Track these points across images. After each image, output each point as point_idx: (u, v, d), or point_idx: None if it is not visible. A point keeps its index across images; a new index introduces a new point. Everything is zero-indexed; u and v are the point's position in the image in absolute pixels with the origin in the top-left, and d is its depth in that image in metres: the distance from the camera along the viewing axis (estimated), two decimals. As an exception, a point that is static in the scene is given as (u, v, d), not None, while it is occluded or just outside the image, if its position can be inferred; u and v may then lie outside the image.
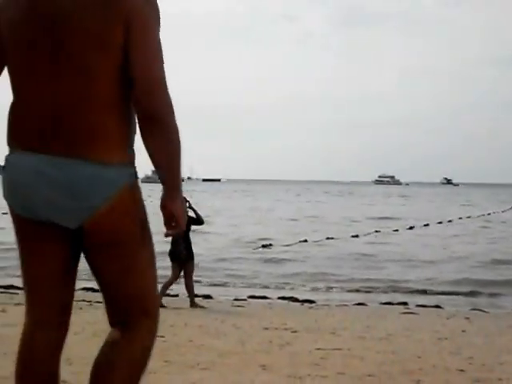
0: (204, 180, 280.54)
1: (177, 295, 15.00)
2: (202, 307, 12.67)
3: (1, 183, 2.99)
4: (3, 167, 2.94)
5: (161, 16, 2.89)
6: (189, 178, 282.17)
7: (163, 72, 2.86)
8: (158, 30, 2.87)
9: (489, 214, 51.74)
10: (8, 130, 2.94)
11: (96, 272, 3.03)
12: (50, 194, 2.84)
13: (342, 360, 7.12)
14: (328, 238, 29.49)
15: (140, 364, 3.07)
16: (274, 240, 29.46)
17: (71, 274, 3.07)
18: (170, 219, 2.98)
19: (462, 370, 6.79)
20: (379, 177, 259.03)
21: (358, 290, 17.76)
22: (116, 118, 2.85)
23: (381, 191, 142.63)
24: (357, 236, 31.88)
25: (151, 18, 2.85)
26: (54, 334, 3.07)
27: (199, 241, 29.91)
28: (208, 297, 15.05)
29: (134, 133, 2.94)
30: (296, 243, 28.46)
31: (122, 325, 3.05)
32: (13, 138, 2.92)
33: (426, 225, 38.12)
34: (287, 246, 27.21)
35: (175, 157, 2.89)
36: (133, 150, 2.95)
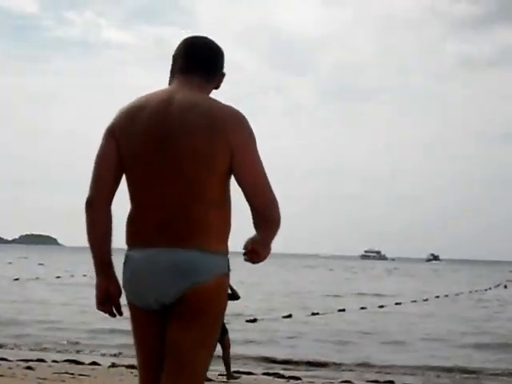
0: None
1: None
2: (237, 377, 13.12)
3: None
4: (124, 263, 3.55)
5: (253, 130, 3.48)
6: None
7: (266, 178, 3.45)
8: (256, 146, 3.47)
9: (476, 290, 51.72)
10: (128, 232, 3.54)
11: (168, 340, 3.47)
12: (161, 276, 3.40)
13: None
14: (314, 314, 29.20)
15: None
16: (257, 314, 29.27)
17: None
18: (252, 254, 3.53)
19: None
20: (366, 251, 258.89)
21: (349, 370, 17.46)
22: (217, 217, 3.46)
23: (368, 266, 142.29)
24: (343, 310, 31.73)
25: (251, 142, 3.46)
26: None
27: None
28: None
29: (230, 228, 3.56)
30: (281, 317, 28.27)
31: None
32: (133, 238, 3.53)
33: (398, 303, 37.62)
34: (272, 320, 26.91)
35: (274, 236, 3.53)
36: (227, 244, 3.55)
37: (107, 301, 3.61)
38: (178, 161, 3.41)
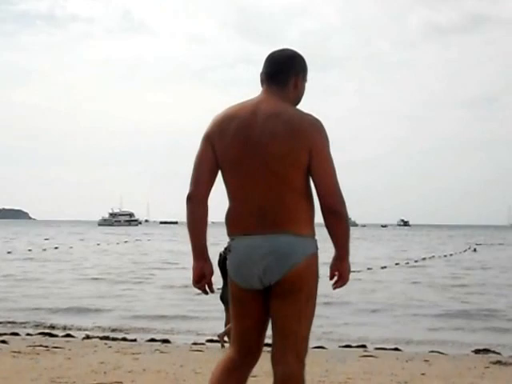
0: (161, 222, 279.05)
1: (135, 340, 14.84)
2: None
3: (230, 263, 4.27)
4: (229, 251, 4.22)
5: (328, 135, 4.14)
6: (146, 221, 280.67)
7: (336, 179, 4.11)
8: (329, 150, 4.12)
9: (451, 254, 52.21)
10: (228, 224, 4.20)
11: (273, 314, 4.19)
12: (263, 261, 4.07)
13: (302, 405, 7.06)
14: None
15: None
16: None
17: (265, 311, 4.26)
18: (334, 275, 4.23)
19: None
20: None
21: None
22: (304, 205, 4.11)
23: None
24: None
25: (325, 148, 4.11)
26: (250, 348, 4.41)
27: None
28: (166, 341, 14.88)
29: (314, 214, 4.17)
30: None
31: (283, 366, 4.19)
32: (233, 229, 4.20)
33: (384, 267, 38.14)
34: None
35: (346, 237, 4.18)
36: (314, 227, 4.18)
37: (202, 280, 4.28)
38: (267, 161, 4.07)
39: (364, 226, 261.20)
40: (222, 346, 13.31)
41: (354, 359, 12.20)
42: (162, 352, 12.47)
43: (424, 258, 47.81)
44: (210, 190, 4.27)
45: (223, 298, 13.33)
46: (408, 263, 38.89)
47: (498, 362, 11.68)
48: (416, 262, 44.51)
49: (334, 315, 20.11)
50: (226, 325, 13.23)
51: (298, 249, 4.09)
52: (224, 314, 13.24)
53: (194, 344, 14.61)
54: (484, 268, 41.53)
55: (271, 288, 4.15)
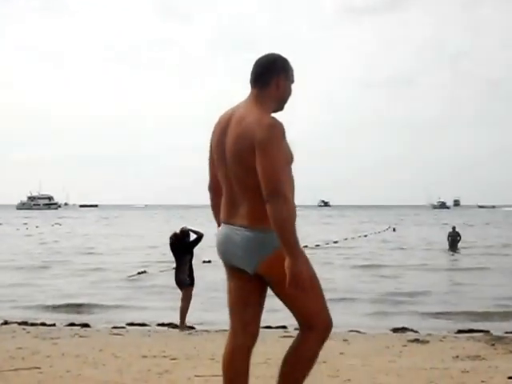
0: (81, 206, 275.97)
1: (53, 324, 14.68)
2: (190, 328, 14.28)
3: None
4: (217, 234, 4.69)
5: (279, 135, 4.31)
6: (65, 204, 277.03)
7: (274, 175, 4.23)
8: (272, 147, 4.27)
9: (371, 234, 52.86)
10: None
11: (278, 298, 4.54)
12: (234, 249, 4.50)
13: (221, 386, 7.09)
14: (204, 262, 29.29)
15: (303, 365, 4.62)
16: (148, 267, 29.30)
17: (258, 300, 4.65)
18: (290, 278, 4.24)
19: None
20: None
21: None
22: (263, 202, 4.29)
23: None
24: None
25: (266, 143, 4.27)
26: (247, 340, 4.77)
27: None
28: (86, 325, 14.76)
29: None
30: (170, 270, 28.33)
31: (300, 332, 4.62)
32: (220, 216, 4.67)
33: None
34: (162, 271, 26.89)
35: (281, 230, 4.22)
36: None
37: None
38: (229, 165, 4.47)
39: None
40: (182, 327, 14.25)
41: (274, 340, 12.28)
42: (81, 336, 12.37)
43: (346, 239, 48.28)
44: (219, 181, 4.71)
45: (176, 281, 14.44)
46: (328, 244, 39.24)
47: (416, 340, 11.91)
48: (335, 242, 44.96)
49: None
50: (181, 309, 14.29)
51: (266, 243, 4.40)
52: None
53: (114, 328, 14.54)
54: (402, 248, 42.25)
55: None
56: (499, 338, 12.26)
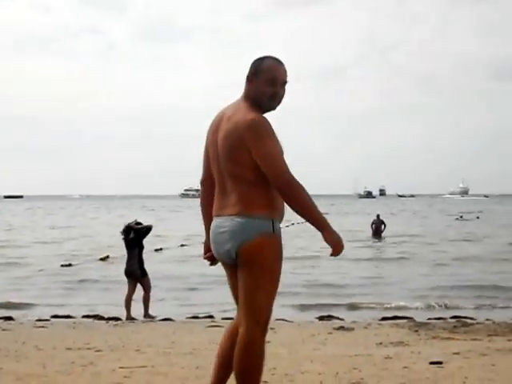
0: (5, 197, 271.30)
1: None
2: (154, 317, 14.75)
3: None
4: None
5: (267, 129, 4.63)
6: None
7: (277, 165, 4.56)
8: (264, 142, 4.59)
9: (298, 223, 52.46)
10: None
11: (238, 284, 4.75)
12: (222, 240, 4.73)
13: (145, 377, 7.08)
14: (157, 250, 29.04)
15: (249, 359, 4.73)
16: (76, 258, 29.00)
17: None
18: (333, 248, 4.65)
19: (265, 382, 6.92)
20: (185, 190, 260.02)
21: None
22: (256, 193, 4.67)
23: (185, 204, 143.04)
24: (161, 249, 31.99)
25: (257, 140, 4.60)
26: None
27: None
28: (9, 318, 14.53)
29: (274, 199, 4.71)
30: (98, 260, 28.13)
31: (242, 328, 4.70)
32: (213, 211, 4.90)
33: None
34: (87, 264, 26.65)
35: (309, 210, 4.62)
36: (274, 210, 4.73)
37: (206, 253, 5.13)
38: (221, 160, 4.77)
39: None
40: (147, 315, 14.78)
41: (200, 330, 12.31)
42: (4, 330, 12.18)
43: (287, 226, 48.17)
44: (212, 176, 5.01)
45: (127, 272, 14.91)
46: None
47: (341, 328, 12.04)
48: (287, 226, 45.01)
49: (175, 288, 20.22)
50: (127, 298, 14.74)
51: (249, 228, 4.64)
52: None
53: (39, 320, 14.35)
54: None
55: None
56: (422, 325, 12.47)
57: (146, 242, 15.43)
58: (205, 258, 5.17)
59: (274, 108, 4.90)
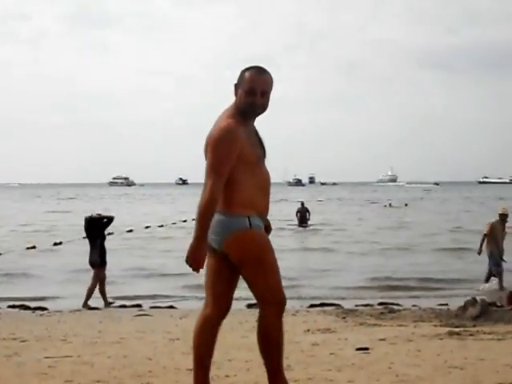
0: None
1: None
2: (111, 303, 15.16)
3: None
4: None
5: (227, 137, 5.04)
6: None
7: (210, 167, 5.05)
8: (217, 149, 5.04)
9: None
10: None
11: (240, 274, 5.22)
12: (210, 231, 5.07)
13: (71, 367, 7.03)
14: (56, 244, 28.65)
15: (270, 338, 5.18)
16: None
17: (231, 277, 5.25)
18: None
19: (191, 370, 6.92)
20: (114, 178, 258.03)
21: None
22: (232, 194, 5.11)
23: (114, 193, 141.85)
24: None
25: (211, 148, 5.08)
26: (216, 312, 5.28)
27: None
28: None
29: (252, 197, 5.17)
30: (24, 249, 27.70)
31: (259, 312, 5.20)
32: None
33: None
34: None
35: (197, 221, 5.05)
36: (251, 207, 5.15)
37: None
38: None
39: (142, 185, 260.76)
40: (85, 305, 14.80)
41: (128, 319, 12.26)
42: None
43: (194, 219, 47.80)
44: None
45: (90, 262, 15.24)
46: (175, 223, 38.93)
47: (269, 315, 12.09)
48: (184, 221, 44.68)
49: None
50: (90, 287, 15.00)
51: (229, 224, 5.09)
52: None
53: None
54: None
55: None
56: (350, 311, 12.63)
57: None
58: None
59: (254, 115, 5.25)
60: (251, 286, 5.17)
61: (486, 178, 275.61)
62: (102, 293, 15.20)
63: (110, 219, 15.73)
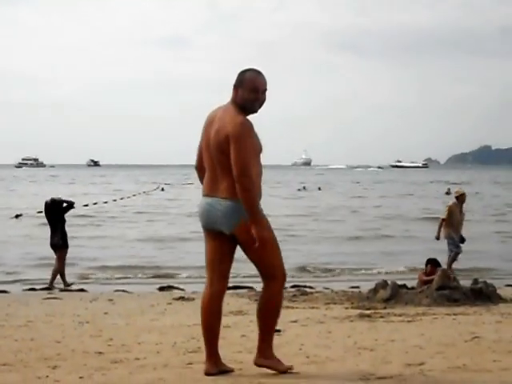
0: None
1: None
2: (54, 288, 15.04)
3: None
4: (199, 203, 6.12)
5: (248, 131, 5.88)
6: None
7: (243, 162, 5.79)
8: (242, 139, 5.82)
9: (139, 193, 51.86)
10: (202, 188, 6.13)
11: (246, 255, 5.99)
12: (216, 216, 5.93)
13: (-24, 351, 6.91)
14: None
15: (272, 312, 6.05)
16: None
17: (230, 257, 6.07)
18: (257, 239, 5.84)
19: (100, 353, 6.91)
20: (22, 159, 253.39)
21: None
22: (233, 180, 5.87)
23: (26, 174, 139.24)
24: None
25: (237, 137, 5.82)
26: (221, 287, 6.09)
27: None
28: None
29: (257, 187, 5.97)
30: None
31: (264, 283, 6.04)
32: (203, 191, 6.11)
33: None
34: None
35: (249, 204, 5.82)
36: (258, 195, 5.98)
37: None
38: (213, 151, 5.95)
39: (53, 166, 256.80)
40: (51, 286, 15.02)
41: (37, 302, 12.11)
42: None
43: (106, 202, 47.03)
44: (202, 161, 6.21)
45: (51, 244, 15.62)
46: (87, 205, 38.36)
47: (181, 298, 12.12)
48: (95, 204, 44.19)
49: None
50: (55, 269, 15.41)
51: (237, 210, 5.86)
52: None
53: None
54: (168, 207, 42.47)
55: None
56: (262, 294, 12.67)
57: None
58: None
59: (255, 111, 6.08)
60: (259, 264, 6.01)
61: (399, 161, 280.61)
62: (62, 274, 15.51)
63: (70, 204, 16.12)
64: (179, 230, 29.55)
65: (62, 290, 14.54)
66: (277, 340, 7.59)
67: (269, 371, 6.03)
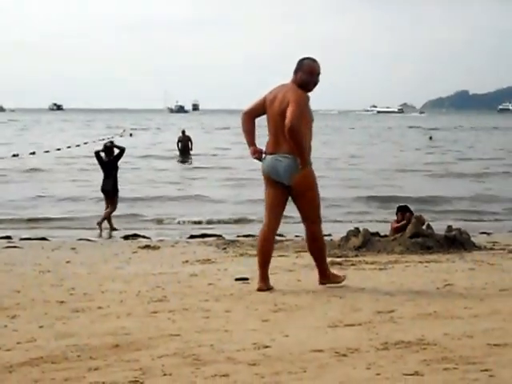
0: None
1: None
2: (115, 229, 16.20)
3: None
4: (264, 159, 7.84)
5: (304, 99, 7.71)
6: None
7: (295, 115, 7.45)
8: (299, 101, 7.58)
9: (109, 137, 51.08)
10: (265, 146, 7.85)
11: (295, 203, 7.76)
12: (279, 169, 7.63)
13: None
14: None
15: (321, 245, 7.91)
16: None
17: (285, 202, 7.80)
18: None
19: (62, 302, 6.94)
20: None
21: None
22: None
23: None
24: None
25: (295, 99, 7.54)
26: (276, 224, 7.89)
27: None
28: None
29: (310, 147, 7.80)
30: None
31: (307, 224, 7.83)
32: (266, 149, 7.80)
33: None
34: None
35: (299, 149, 7.57)
36: (309, 151, 7.76)
37: (255, 153, 7.81)
38: (277, 116, 7.62)
39: (13, 110, 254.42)
40: (101, 231, 15.97)
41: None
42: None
43: (78, 145, 46.99)
44: (255, 115, 7.98)
45: (103, 189, 16.57)
46: (48, 151, 38.09)
47: (147, 247, 12.10)
48: (69, 147, 44.14)
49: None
50: (106, 212, 16.35)
51: (295, 167, 7.56)
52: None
53: None
54: (141, 157, 42.32)
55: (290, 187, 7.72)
56: (231, 242, 12.71)
57: None
58: (256, 156, 7.81)
59: (311, 90, 7.78)
60: (307, 207, 7.74)
61: (374, 106, 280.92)
62: (109, 219, 16.39)
63: (122, 150, 16.68)
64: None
65: (22, 239, 14.47)
66: (245, 288, 7.72)
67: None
